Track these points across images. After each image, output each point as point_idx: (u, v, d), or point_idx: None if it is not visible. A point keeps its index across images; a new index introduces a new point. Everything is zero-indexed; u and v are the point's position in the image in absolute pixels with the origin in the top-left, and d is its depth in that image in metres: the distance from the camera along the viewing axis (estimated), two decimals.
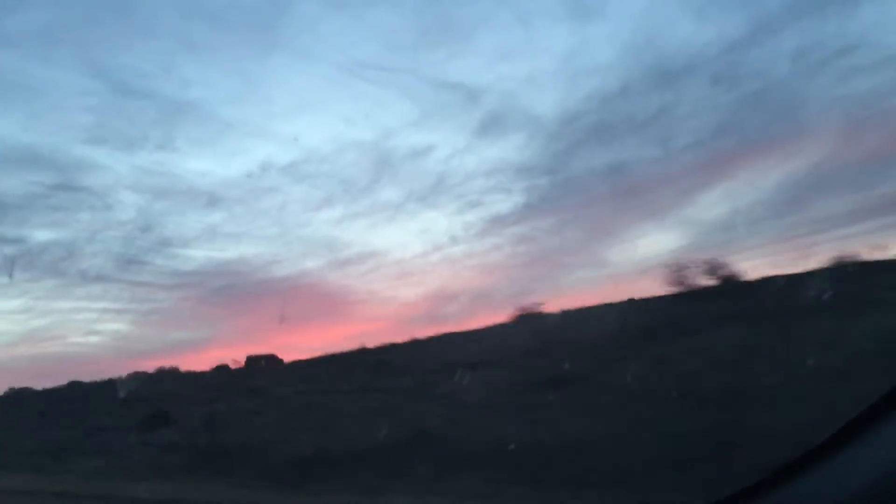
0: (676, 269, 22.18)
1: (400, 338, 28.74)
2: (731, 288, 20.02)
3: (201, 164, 62.00)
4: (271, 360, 29.54)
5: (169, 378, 31.98)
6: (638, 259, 46.59)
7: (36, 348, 58.78)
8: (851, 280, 16.81)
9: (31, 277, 59.42)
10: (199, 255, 58.29)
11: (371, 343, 28.13)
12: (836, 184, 37.90)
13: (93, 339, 55.27)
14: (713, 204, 43.17)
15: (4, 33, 54.79)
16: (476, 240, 50.93)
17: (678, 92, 44.88)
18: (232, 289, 56.18)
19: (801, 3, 41.14)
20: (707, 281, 21.40)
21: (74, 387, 33.56)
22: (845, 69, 37.42)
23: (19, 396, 36.68)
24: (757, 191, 40.04)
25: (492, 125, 50.63)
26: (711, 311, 16.35)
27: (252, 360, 29.53)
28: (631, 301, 23.70)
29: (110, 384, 30.95)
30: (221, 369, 29.85)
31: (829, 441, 2.08)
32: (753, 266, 45.94)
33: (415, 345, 25.59)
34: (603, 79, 49.03)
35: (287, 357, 30.08)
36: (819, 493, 2.06)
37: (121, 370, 39.68)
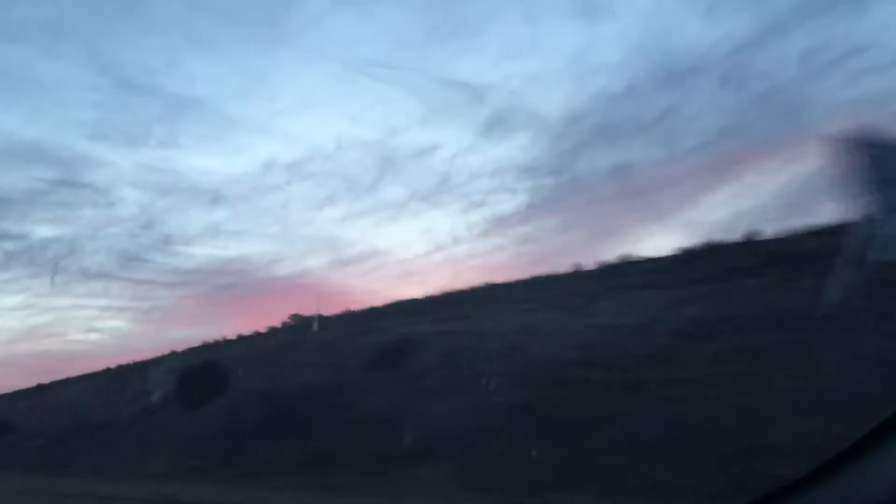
0: None
1: None
2: None
3: (205, 162, 62.03)
4: None
5: None
6: None
7: (36, 345, 58.82)
8: None
9: (32, 274, 59.54)
10: (201, 252, 58.23)
11: None
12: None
13: (93, 336, 55.37)
14: (718, 206, 42.97)
15: (9, 26, 54.89)
16: (479, 240, 50.75)
17: (685, 93, 44.80)
18: (234, 287, 56.08)
19: (810, 4, 40.99)
20: None
21: None
22: (855, 70, 37.20)
23: None
24: (763, 194, 39.78)
25: (497, 124, 50.52)
26: None
27: None
28: None
29: None
30: None
31: (861, 442, 1.99)
32: None
33: None
34: (610, 78, 48.98)
35: None
36: (854, 494, 1.99)
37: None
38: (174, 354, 33.10)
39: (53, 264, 52.35)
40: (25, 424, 26.81)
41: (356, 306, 31.45)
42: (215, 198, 60.66)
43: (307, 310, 32.50)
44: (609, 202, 49.25)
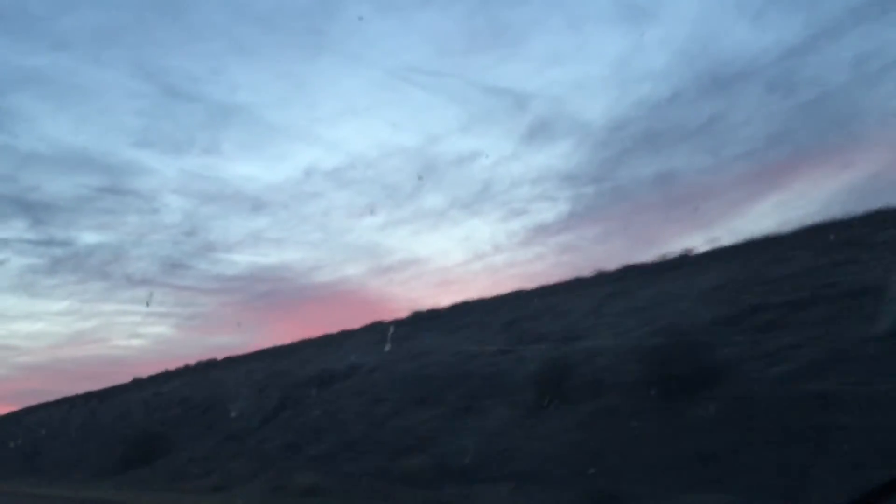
0: None
1: None
2: None
3: (247, 169, 62.93)
4: None
5: None
6: None
7: (80, 350, 60.42)
8: None
9: (78, 280, 61.33)
10: (243, 259, 58.88)
11: None
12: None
13: (136, 342, 56.72)
14: (764, 215, 41.65)
15: (58, 35, 56.81)
16: (519, 248, 50.16)
17: (732, 99, 43.48)
18: (274, 294, 56.59)
19: (862, 8, 39.48)
20: None
21: None
22: None
23: None
24: (811, 203, 38.51)
25: (539, 131, 49.93)
26: None
27: None
28: None
29: None
30: None
31: None
32: None
33: None
34: (654, 85, 47.83)
35: None
36: None
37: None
38: None
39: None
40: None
41: None
42: (257, 205, 61.51)
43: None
44: (652, 210, 48.22)
